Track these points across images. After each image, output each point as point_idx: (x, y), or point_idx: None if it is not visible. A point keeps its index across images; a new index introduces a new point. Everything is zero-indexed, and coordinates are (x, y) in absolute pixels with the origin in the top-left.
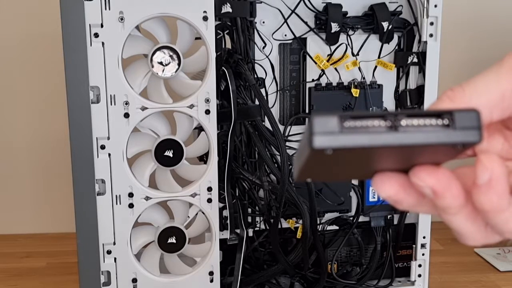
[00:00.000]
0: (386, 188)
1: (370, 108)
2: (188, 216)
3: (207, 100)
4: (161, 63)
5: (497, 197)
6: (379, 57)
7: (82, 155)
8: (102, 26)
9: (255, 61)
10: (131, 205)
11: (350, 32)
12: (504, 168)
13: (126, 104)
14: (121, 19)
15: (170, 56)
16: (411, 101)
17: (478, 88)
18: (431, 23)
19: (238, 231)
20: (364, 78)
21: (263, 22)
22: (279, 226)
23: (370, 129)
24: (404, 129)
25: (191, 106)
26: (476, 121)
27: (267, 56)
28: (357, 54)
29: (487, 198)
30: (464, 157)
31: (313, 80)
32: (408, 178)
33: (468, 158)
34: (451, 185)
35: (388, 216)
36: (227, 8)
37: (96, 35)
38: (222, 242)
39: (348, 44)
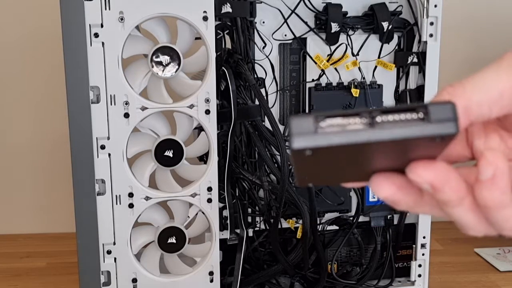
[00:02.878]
0: (383, 189)
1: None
2: (188, 216)
3: (207, 100)
4: (161, 63)
5: (500, 193)
6: (379, 57)
7: (82, 155)
8: (102, 26)
9: (255, 61)
10: (131, 205)
11: (350, 32)
12: (507, 165)
13: (126, 104)
14: (121, 19)
15: (170, 56)
16: (411, 101)
17: (478, 85)
18: (431, 23)
19: (238, 231)
20: (364, 78)
21: (263, 22)
22: (279, 226)
23: (346, 127)
24: (380, 126)
25: (191, 106)
26: (452, 113)
27: (267, 56)
28: (357, 54)
29: (490, 194)
30: (464, 160)
31: (313, 80)
32: (406, 178)
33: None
34: (450, 178)
35: (388, 216)
36: (227, 8)
37: (96, 35)
38: (222, 242)
39: (348, 44)
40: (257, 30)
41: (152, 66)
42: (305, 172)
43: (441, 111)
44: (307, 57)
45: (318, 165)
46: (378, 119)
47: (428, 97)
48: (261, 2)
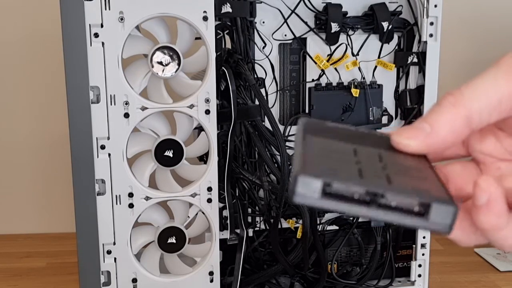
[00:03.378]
0: None
1: (370, 108)
2: (188, 216)
3: (207, 100)
4: (161, 63)
5: (496, 217)
6: (379, 57)
7: (82, 155)
8: (102, 26)
9: (255, 61)
10: (131, 205)
11: (350, 32)
12: (501, 189)
13: (126, 104)
14: (121, 19)
15: (170, 56)
16: (411, 101)
17: (477, 92)
18: (431, 23)
19: (238, 231)
20: (364, 78)
21: (263, 22)
22: (279, 226)
23: (349, 201)
24: (381, 208)
25: (191, 106)
26: (451, 219)
27: (267, 56)
28: (357, 54)
29: (486, 218)
30: (458, 157)
31: (313, 80)
32: None
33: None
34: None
35: None
36: (227, 8)
37: (96, 35)
38: (222, 242)
39: (348, 44)
40: (257, 30)
41: (152, 66)
42: None
43: (441, 213)
44: (307, 57)
45: None
46: (382, 201)
47: (428, 97)
48: (261, 2)
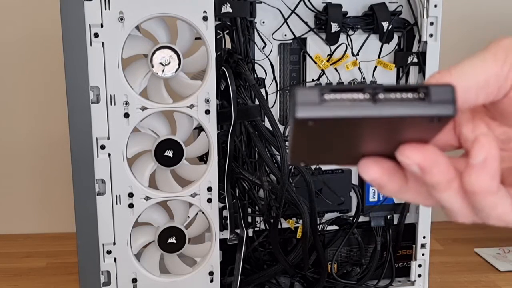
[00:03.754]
0: (370, 171)
1: None
2: (188, 216)
3: (207, 100)
4: (161, 63)
5: (489, 178)
6: (379, 57)
7: (82, 155)
8: (102, 26)
9: (255, 61)
10: (131, 205)
11: (350, 32)
12: (499, 152)
13: (126, 104)
14: (121, 19)
15: (170, 56)
16: None
17: (465, 72)
18: (431, 23)
19: (238, 231)
20: (364, 78)
21: (263, 22)
22: (279, 226)
23: (349, 101)
24: (381, 102)
25: (191, 106)
26: (451, 95)
27: (267, 56)
28: (357, 54)
29: (479, 178)
30: (450, 149)
31: (313, 80)
32: (394, 163)
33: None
34: (438, 160)
35: (388, 216)
36: (227, 8)
37: (96, 35)
38: (222, 242)
39: (348, 44)
40: (257, 30)
41: (152, 66)
42: (301, 147)
43: (441, 93)
44: (307, 57)
45: (314, 140)
46: (381, 95)
47: None
48: (261, 2)
